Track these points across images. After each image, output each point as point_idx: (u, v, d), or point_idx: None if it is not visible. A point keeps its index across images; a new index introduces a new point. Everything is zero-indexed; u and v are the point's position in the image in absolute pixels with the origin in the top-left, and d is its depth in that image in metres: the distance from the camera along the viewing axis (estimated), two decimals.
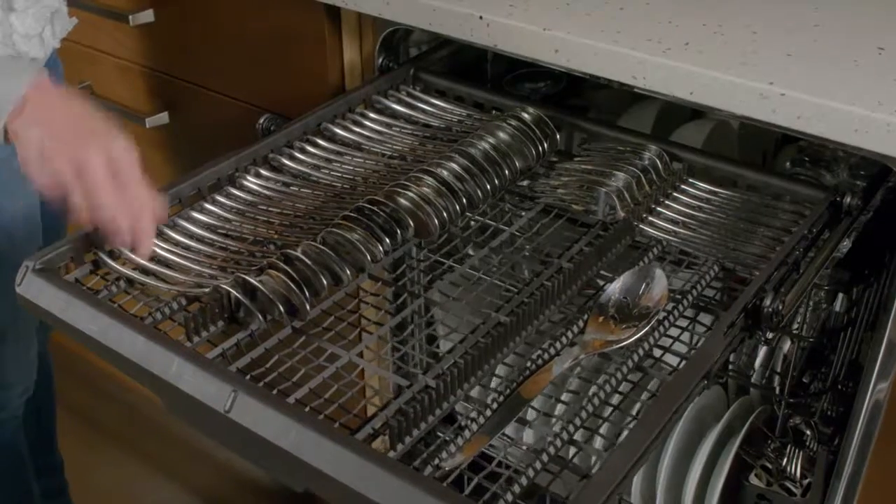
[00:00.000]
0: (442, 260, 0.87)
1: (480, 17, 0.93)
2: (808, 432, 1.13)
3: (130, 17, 1.22)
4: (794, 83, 0.79)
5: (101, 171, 0.74)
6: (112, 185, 0.74)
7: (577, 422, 0.65)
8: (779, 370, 1.11)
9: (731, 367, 1.14)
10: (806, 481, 1.11)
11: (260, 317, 0.71)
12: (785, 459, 1.11)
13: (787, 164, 1.10)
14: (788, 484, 1.12)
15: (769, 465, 1.13)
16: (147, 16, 1.23)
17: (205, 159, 1.31)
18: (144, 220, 0.76)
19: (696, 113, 1.27)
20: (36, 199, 1.06)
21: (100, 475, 1.66)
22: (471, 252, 0.92)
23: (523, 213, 0.92)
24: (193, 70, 1.25)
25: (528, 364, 0.70)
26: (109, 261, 0.78)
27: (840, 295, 0.97)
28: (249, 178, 0.89)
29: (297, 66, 1.13)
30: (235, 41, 1.18)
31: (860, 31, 0.89)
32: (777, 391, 1.09)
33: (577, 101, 1.26)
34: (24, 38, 0.88)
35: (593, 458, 0.74)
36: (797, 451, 1.10)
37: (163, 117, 1.31)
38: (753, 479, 1.12)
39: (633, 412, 0.76)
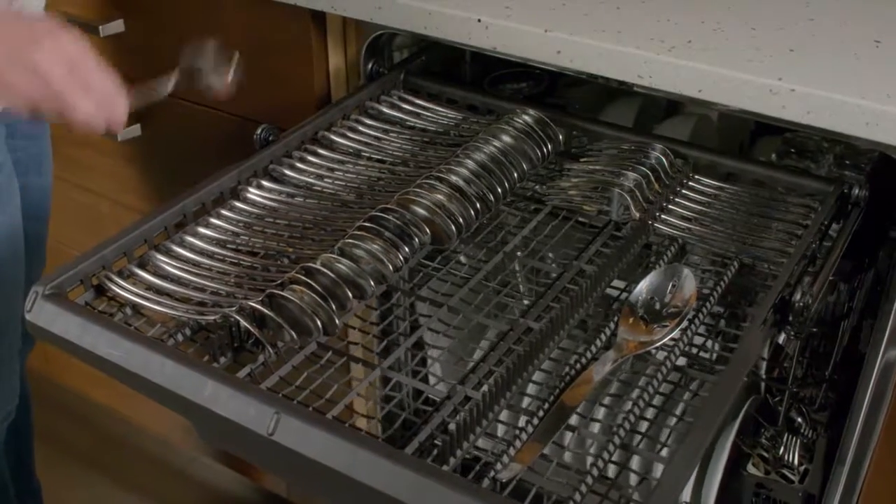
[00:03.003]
0: (454, 272, 0.86)
1: (479, 20, 0.92)
2: (800, 419, 1.15)
3: (100, 27, 1.18)
4: (802, 78, 0.80)
5: (57, 70, 0.70)
6: (73, 81, 0.70)
7: (627, 426, 0.64)
8: (765, 357, 1.13)
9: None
10: (802, 468, 1.13)
11: (292, 333, 0.69)
12: (782, 448, 1.12)
13: (774, 155, 1.12)
14: (786, 472, 1.13)
15: (765, 454, 1.14)
16: (117, 26, 1.20)
17: (181, 171, 1.29)
18: (117, 109, 0.73)
19: (670, 108, 1.29)
20: (18, 217, 1.02)
21: (73, 498, 1.61)
22: (483, 257, 0.91)
23: (522, 215, 0.92)
24: None
25: (567, 369, 0.69)
26: (122, 281, 0.75)
27: (839, 285, 0.99)
28: (252, 190, 0.87)
29: (280, 73, 1.11)
30: None
31: (853, 23, 0.90)
32: (764, 379, 1.11)
33: (553, 99, 1.26)
34: None
35: (650, 462, 0.74)
36: (794, 438, 1.12)
37: (135, 129, 1.27)
38: (751, 469, 1.13)
39: (678, 412, 0.77)
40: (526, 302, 0.91)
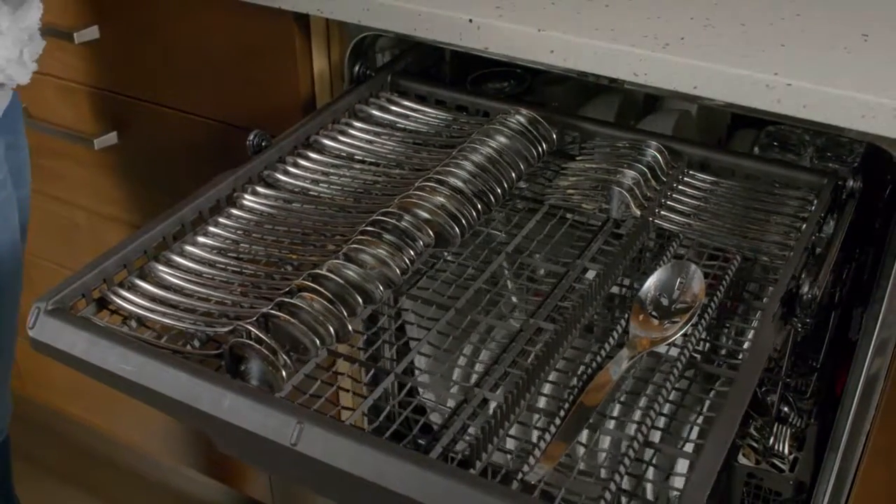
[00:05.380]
0: (455, 275, 0.85)
1: (470, 21, 0.92)
2: (786, 409, 1.16)
3: (75, 34, 1.16)
4: (797, 73, 0.81)
5: None
6: None
7: (648, 423, 0.64)
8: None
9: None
10: (792, 457, 1.14)
11: (317, 340, 0.68)
12: (772, 438, 1.14)
13: (756, 149, 1.13)
14: (776, 461, 1.15)
15: (755, 444, 1.16)
16: (92, 32, 1.17)
17: (160, 179, 1.27)
18: None
19: (647, 104, 1.30)
20: (18, 233, 1.00)
21: None
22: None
23: (520, 215, 0.92)
24: (144, 87, 1.20)
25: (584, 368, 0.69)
26: (125, 293, 0.74)
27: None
28: (248, 197, 0.86)
29: (263, 77, 1.10)
30: (193, 54, 1.14)
31: (840, 18, 0.92)
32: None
33: (532, 98, 1.27)
34: (7, 63, 0.82)
35: (675, 459, 0.74)
36: (783, 428, 1.14)
37: (111, 137, 1.25)
38: (742, 459, 1.14)
39: (696, 408, 0.77)
40: (514, 299, 0.91)
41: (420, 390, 0.87)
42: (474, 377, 0.94)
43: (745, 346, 0.88)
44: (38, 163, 1.33)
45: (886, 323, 0.90)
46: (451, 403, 0.81)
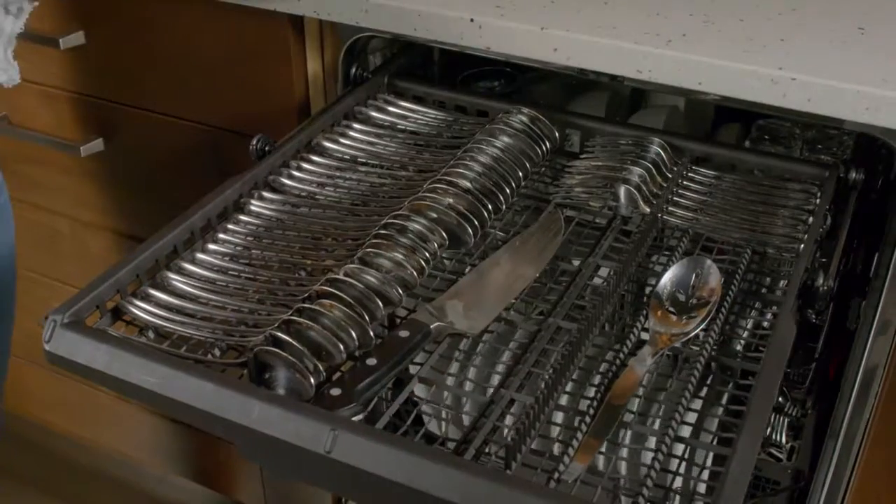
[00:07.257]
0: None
1: (472, 20, 0.92)
2: (780, 399, 1.18)
3: (60, 40, 1.14)
4: (801, 67, 0.82)
5: None
6: None
7: (678, 418, 0.65)
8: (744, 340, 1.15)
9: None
10: (789, 446, 1.16)
11: (341, 346, 0.68)
12: (769, 428, 1.15)
13: (747, 142, 1.15)
14: (773, 450, 1.16)
15: None
16: (77, 38, 1.15)
17: (148, 185, 1.25)
18: None
19: (634, 101, 1.31)
20: (12, 240, 0.98)
21: None
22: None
23: (526, 214, 0.92)
24: (132, 92, 1.18)
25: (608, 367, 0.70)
26: (140, 303, 0.73)
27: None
28: (255, 202, 0.85)
29: (256, 80, 1.08)
30: (183, 58, 1.12)
31: (835, 13, 0.93)
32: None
33: (520, 96, 1.27)
34: (9, 65, 0.80)
35: (705, 453, 0.75)
36: (780, 418, 1.15)
37: (97, 144, 1.23)
38: None
39: (722, 401, 0.78)
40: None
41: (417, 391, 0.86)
42: (472, 370, 0.94)
43: (745, 335, 0.89)
44: (20, 170, 1.31)
45: (886, 311, 0.92)
46: (448, 399, 0.81)
